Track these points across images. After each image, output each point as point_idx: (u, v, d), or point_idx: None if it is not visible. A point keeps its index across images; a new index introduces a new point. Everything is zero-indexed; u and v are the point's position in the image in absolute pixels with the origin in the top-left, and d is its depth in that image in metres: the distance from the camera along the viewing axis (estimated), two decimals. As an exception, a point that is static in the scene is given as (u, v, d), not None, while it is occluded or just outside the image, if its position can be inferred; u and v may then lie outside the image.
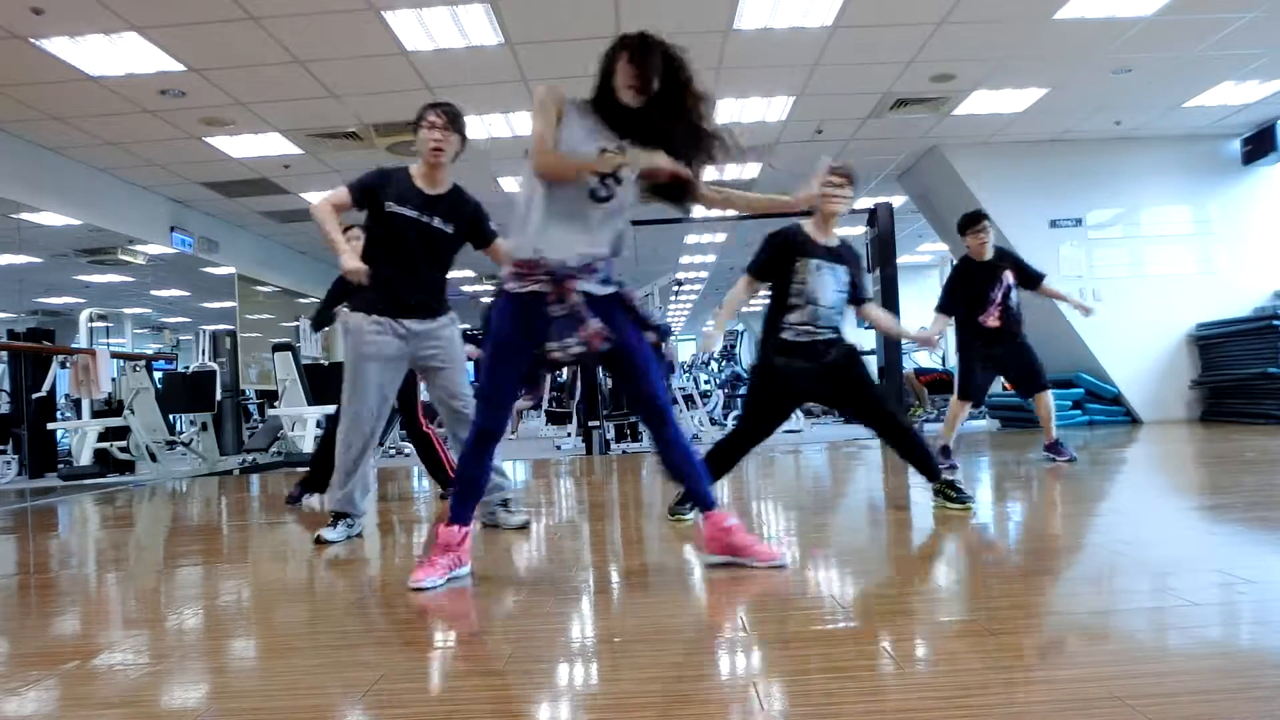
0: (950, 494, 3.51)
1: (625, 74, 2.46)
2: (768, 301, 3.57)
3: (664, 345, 2.66)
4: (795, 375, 3.48)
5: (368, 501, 3.59)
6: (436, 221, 3.34)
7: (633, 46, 2.47)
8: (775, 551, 2.62)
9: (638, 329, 2.60)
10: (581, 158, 2.43)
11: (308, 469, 4.77)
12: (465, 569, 2.63)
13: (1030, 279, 5.25)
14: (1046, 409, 5.27)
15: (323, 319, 4.99)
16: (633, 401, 2.64)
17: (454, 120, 3.34)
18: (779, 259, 3.50)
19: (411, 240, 3.31)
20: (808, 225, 3.55)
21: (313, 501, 4.55)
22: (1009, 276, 5.12)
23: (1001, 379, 6.94)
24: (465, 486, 2.62)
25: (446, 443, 3.87)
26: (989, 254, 5.17)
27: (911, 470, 4.90)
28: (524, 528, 3.56)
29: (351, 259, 3.16)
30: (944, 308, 5.24)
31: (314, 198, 10.75)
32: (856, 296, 3.61)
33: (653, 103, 2.49)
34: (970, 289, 5.14)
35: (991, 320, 5.10)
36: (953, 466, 5.18)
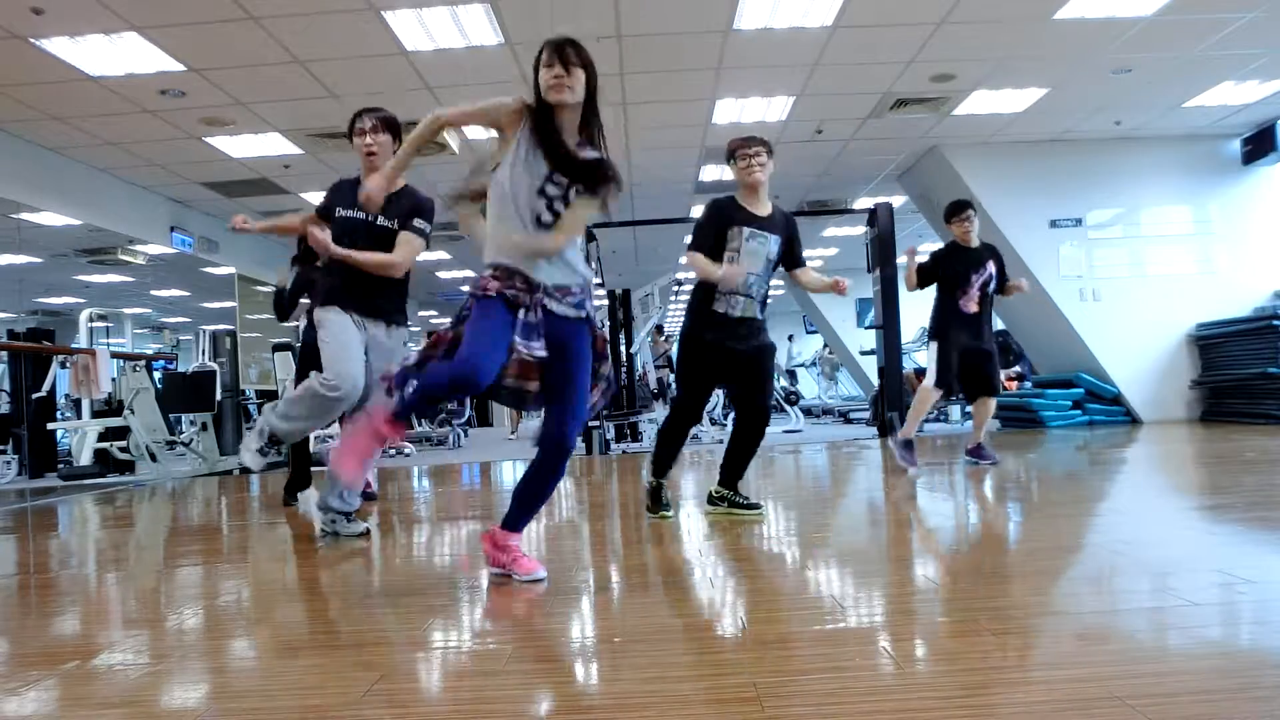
0: (738, 500, 3.63)
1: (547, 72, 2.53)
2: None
3: (606, 386, 2.60)
4: (722, 353, 3.50)
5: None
6: (380, 220, 3.40)
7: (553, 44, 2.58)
8: (534, 565, 2.56)
9: (588, 364, 2.51)
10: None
11: (289, 470, 4.77)
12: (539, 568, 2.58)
13: (1003, 280, 5.31)
14: (986, 414, 5.34)
15: (286, 307, 5.09)
16: (545, 422, 2.51)
17: (384, 123, 3.51)
18: (713, 229, 3.51)
19: (360, 241, 3.36)
20: (738, 195, 3.58)
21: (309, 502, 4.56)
22: (992, 267, 5.19)
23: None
24: (431, 394, 2.38)
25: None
26: (975, 241, 5.24)
27: (912, 469, 4.89)
28: (364, 535, 3.49)
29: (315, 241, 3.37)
30: (921, 277, 5.26)
31: (315, 198, 10.75)
32: (793, 262, 3.63)
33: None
34: (954, 269, 5.18)
35: (971, 305, 5.13)
36: (994, 462, 5.27)
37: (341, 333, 3.33)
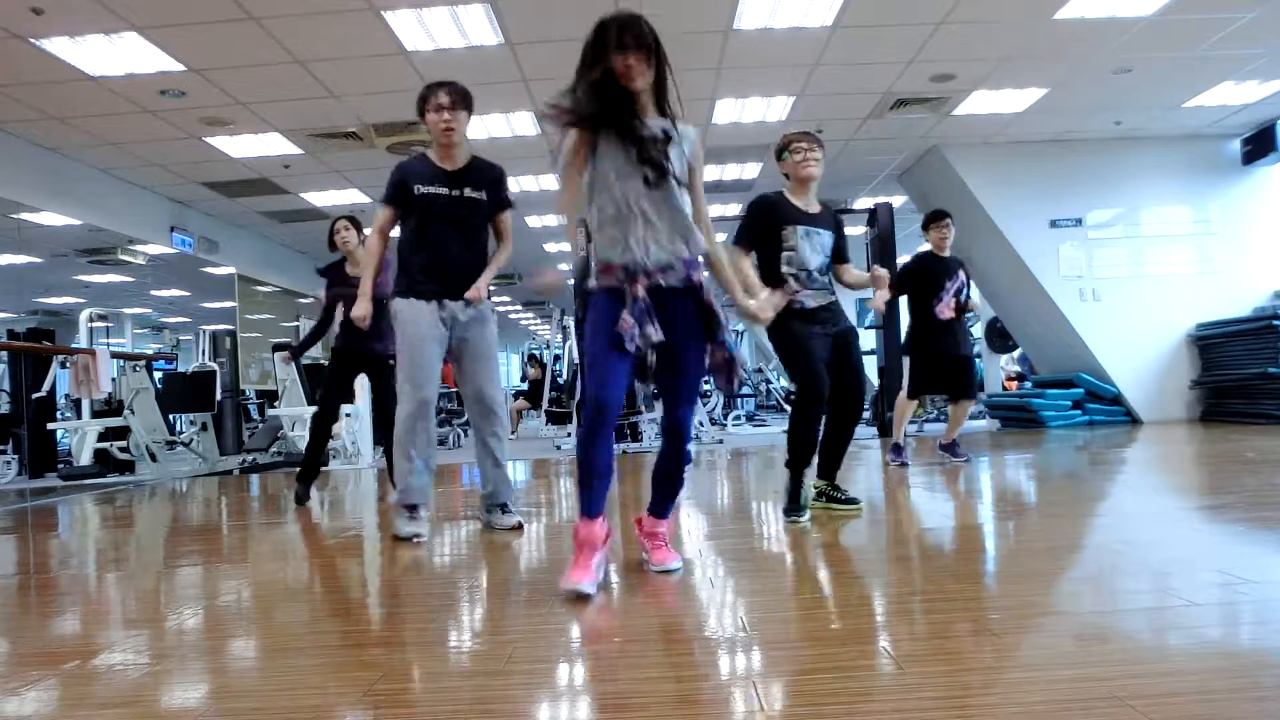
0: (837, 495, 3.60)
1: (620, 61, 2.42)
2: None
3: (730, 359, 2.53)
4: (813, 336, 3.46)
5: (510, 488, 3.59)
6: (467, 191, 3.37)
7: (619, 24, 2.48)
8: (672, 557, 2.63)
9: (700, 341, 2.50)
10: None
11: (300, 467, 4.77)
12: (601, 566, 2.52)
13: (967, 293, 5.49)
14: (961, 416, 5.51)
15: (303, 349, 5.13)
16: (663, 408, 2.59)
17: (462, 98, 3.36)
18: (765, 227, 3.49)
19: (444, 217, 3.34)
20: (786, 192, 3.56)
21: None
22: (963, 275, 5.38)
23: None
24: (584, 473, 2.44)
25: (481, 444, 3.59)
26: (948, 250, 5.42)
27: (912, 469, 4.90)
28: (518, 528, 3.52)
29: (363, 305, 3.41)
30: (902, 292, 5.51)
31: (315, 198, 10.73)
32: (839, 258, 3.62)
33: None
34: (927, 279, 5.34)
35: (947, 311, 5.28)
36: (966, 459, 5.41)
37: (414, 339, 3.31)
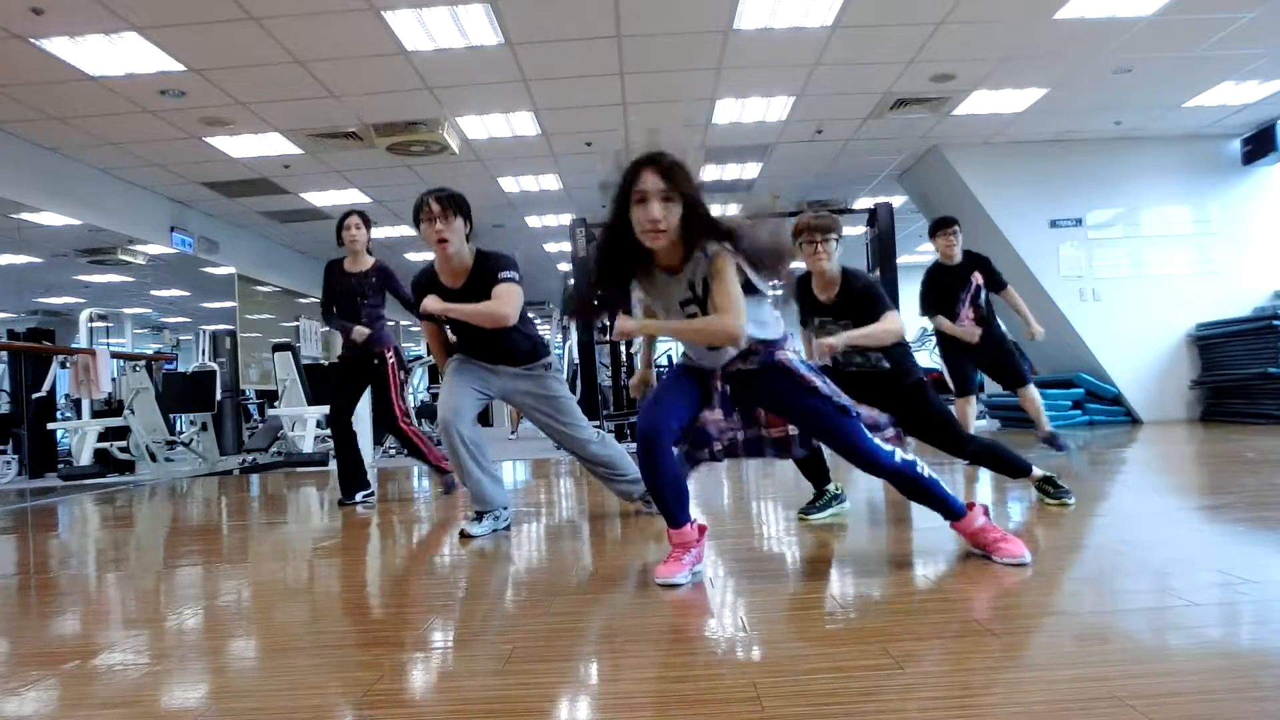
0: (1048, 490, 3.54)
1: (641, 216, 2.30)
2: None
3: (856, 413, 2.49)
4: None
5: (504, 492, 3.59)
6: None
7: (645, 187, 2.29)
8: (1021, 549, 2.48)
9: (796, 393, 2.48)
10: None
11: (339, 475, 4.83)
12: (701, 565, 2.58)
13: (996, 284, 5.39)
14: (1032, 404, 5.38)
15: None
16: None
17: (453, 204, 3.29)
18: (802, 310, 3.50)
19: (456, 328, 3.46)
20: (811, 278, 3.45)
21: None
22: (977, 278, 5.28)
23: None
24: (656, 495, 2.51)
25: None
26: (957, 257, 5.31)
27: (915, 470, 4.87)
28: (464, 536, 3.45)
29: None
30: (926, 312, 5.38)
31: (315, 198, 10.73)
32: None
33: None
34: (940, 292, 5.28)
35: (965, 322, 5.24)
36: (1064, 448, 5.42)
37: (452, 375, 3.47)
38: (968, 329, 5.19)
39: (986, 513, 2.57)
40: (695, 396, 2.54)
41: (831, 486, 3.53)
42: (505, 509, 3.57)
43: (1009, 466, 3.47)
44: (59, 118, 7.03)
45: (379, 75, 6.50)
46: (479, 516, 3.48)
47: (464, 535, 3.41)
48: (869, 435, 2.47)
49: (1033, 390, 5.38)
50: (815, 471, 3.54)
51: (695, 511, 2.66)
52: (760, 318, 2.47)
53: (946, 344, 5.38)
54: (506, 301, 3.31)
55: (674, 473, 2.48)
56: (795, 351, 2.55)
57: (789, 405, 2.52)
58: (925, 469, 2.51)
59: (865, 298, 3.35)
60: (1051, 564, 2.60)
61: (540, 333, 3.70)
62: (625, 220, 2.32)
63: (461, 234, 3.31)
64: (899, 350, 3.43)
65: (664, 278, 2.43)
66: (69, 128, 7.26)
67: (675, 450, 2.50)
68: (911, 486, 2.52)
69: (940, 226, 5.35)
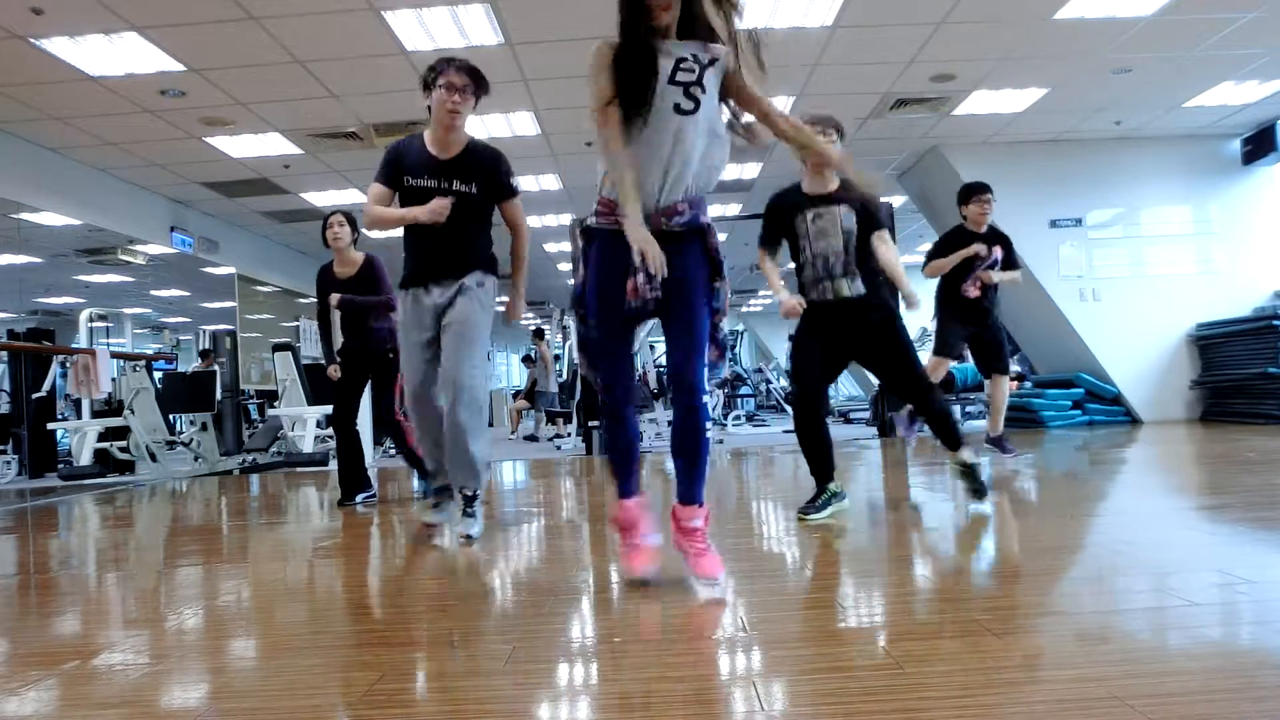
0: (971, 480, 3.48)
1: None
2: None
3: (721, 342, 2.44)
4: (818, 339, 3.43)
5: (475, 477, 3.32)
6: (456, 184, 3.21)
7: None
8: (716, 569, 2.31)
9: (705, 288, 2.37)
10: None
11: (340, 476, 4.81)
12: (658, 536, 2.46)
13: (1013, 263, 5.34)
14: (1000, 397, 5.30)
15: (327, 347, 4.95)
16: (668, 363, 2.41)
17: (477, 82, 3.16)
18: (777, 223, 3.47)
19: (434, 228, 3.19)
20: (803, 180, 3.46)
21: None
22: (998, 252, 5.22)
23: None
24: (618, 458, 2.44)
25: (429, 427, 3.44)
26: (985, 227, 5.25)
27: (912, 469, 4.89)
28: (466, 540, 3.35)
29: (427, 212, 3.16)
30: (931, 256, 5.29)
31: (315, 198, 10.72)
32: (870, 227, 3.41)
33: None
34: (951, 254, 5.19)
35: (972, 290, 5.17)
36: (1014, 455, 5.31)
37: (403, 336, 3.32)
38: (974, 247, 5.11)
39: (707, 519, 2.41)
40: (618, 280, 2.30)
41: (833, 485, 3.51)
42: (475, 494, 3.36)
43: (950, 435, 3.50)
44: (59, 118, 7.02)
45: (379, 75, 6.50)
46: (437, 502, 3.41)
47: (428, 525, 3.38)
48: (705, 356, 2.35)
49: (1005, 385, 5.32)
50: (821, 466, 3.50)
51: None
52: (723, 157, 2.43)
53: (945, 305, 5.29)
54: (524, 224, 3.35)
55: (632, 438, 2.45)
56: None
57: (694, 286, 2.35)
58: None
59: (865, 198, 3.37)
60: (1051, 564, 2.61)
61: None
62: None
63: (469, 112, 3.18)
64: (877, 280, 3.44)
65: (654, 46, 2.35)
66: (69, 128, 7.26)
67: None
68: (695, 440, 2.32)
69: (977, 191, 5.23)
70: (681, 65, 2.34)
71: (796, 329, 3.55)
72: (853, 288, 3.39)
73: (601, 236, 2.36)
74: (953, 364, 5.62)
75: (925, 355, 5.88)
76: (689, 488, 2.36)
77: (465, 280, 3.26)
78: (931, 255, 5.32)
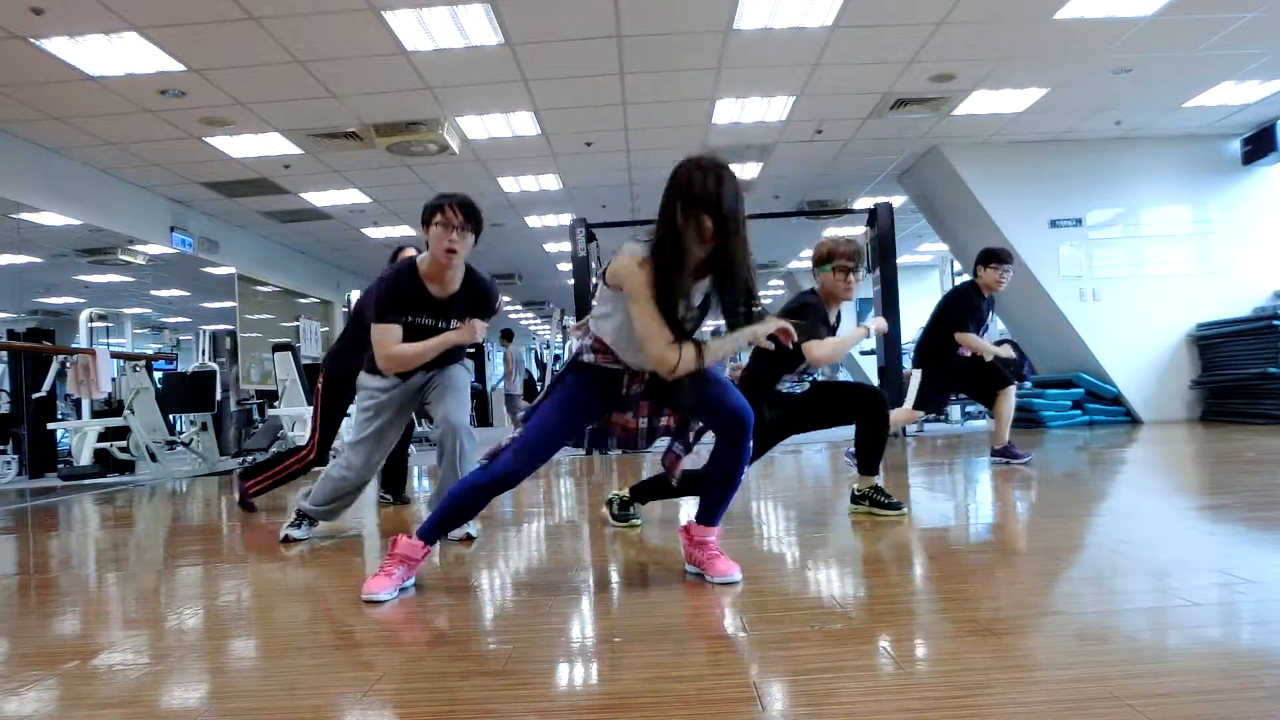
0: (880, 499, 3.54)
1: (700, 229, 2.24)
2: (762, 363, 3.47)
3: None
4: (777, 421, 3.54)
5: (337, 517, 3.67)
6: (453, 324, 3.28)
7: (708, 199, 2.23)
8: (732, 568, 2.48)
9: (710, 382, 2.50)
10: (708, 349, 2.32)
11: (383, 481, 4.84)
12: (411, 581, 2.53)
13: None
14: (1008, 409, 5.30)
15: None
16: (712, 420, 2.53)
17: (474, 221, 3.14)
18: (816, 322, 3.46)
19: (421, 336, 3.24)
20: (821, 298, 3.52)
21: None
22: (994, 319, 5.40)
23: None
24: (456, 515, 2.54)
25: (444, 462, 3.47)
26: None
27: (912, 469, 4.90)
28: (467, 539, 3.42)
29: (461, 335, 3.27)
30: (962, 328, 5.18)
31: (315, 198, 10.70)
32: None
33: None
34: (970, 317, 5.18)
35: (968, 351, 5.22)
36: (1026, 460, 5.31)
37: (376, 418, 3.35)
38: (990, 346, 5.21)
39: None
40: (586, 416, 2.52)
41: (866, 487, 3.59)
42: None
43: (878, 458, 3.56)
44: (59, 118, 7.03)
45: (379, 75, 6.50)
46: (299, 523, 3.58)
47: (288, 540, 3.52)
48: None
49: (1012, 396, 5.31)
50: (868, 454, 3.57)
51: (694, 512, 2.65)
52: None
53: (934, 362, 5.29)
54: (484, 330, 3.38)
55: (479, 510, 2.57)
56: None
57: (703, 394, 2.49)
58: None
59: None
60: (1051, 564, 2.61)
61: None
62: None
63: (468, 251, 3.19)
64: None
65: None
66: (69, 128, 7.26)
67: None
68: (733, 473, 2.56)
69: (998, 259, 5.19)
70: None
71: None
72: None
73: (595, 374, 2.47)
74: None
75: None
76: (715, 513, 2.58)
77: (453, 366, 3.49)
78: (964, 314, 5.18)
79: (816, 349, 3.31)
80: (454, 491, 2.51)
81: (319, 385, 4.29)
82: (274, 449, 8.70)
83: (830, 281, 3.47)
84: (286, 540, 3.51)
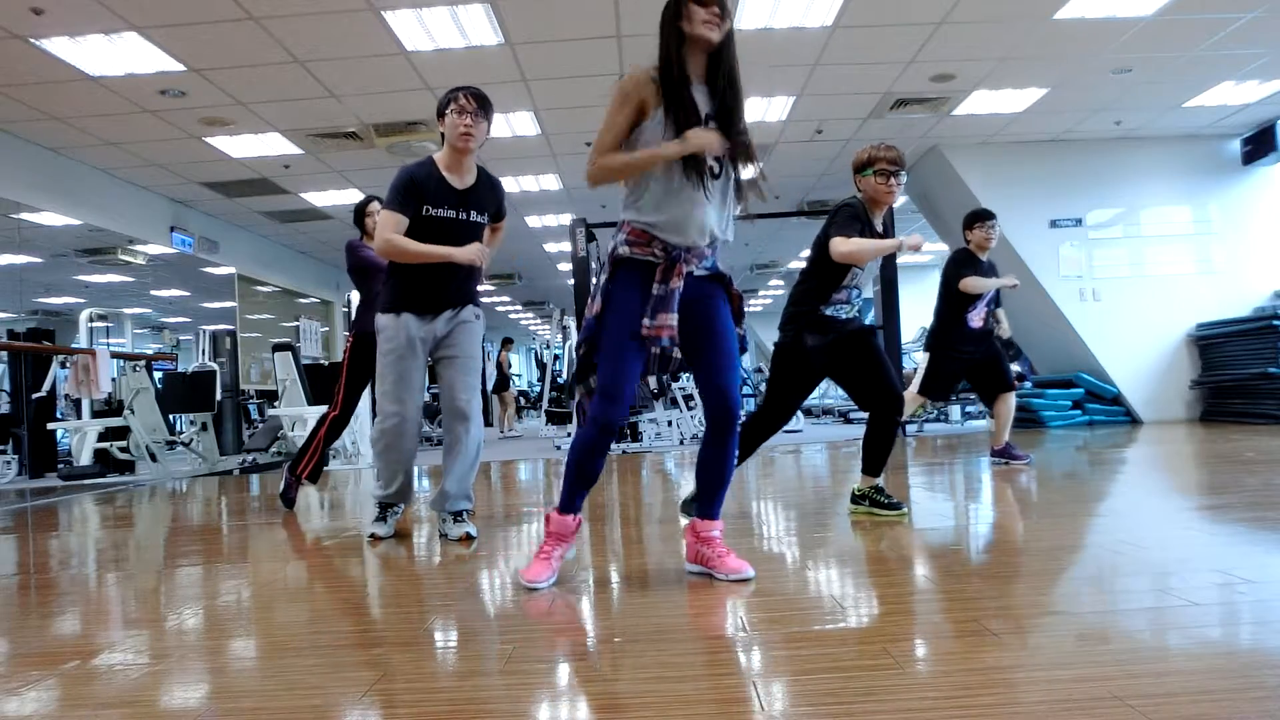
0: (880, 500, 3.54)
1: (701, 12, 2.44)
2: (806, 280, 3.48)
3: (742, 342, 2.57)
4: (818, 350, 3.43)
5: (471, 499, 3.54)
6: (472, 215, 3.33)
7: None
8: (742, 565, 2.51)
9: (728, 321, 2.51)
10: (648, 152, 2.34)
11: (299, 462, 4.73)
12: (572, 551, 2.65)
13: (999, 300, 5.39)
14: (1008, 412, 5.29)
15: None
16: (703, 389, 2.49)
17: (484, 106, 3.25)
18: (858, 226, 3.41)
19: (450, 238, 3.27)
20: (866, 203, 3.47)
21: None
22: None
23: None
24: (580, 477, 2.50)
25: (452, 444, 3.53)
26: (987, 255, 5.24)
27: (912, 469, 4.90)
28: (467, 539, 3.42)
29: (466, 256, 3.24)
30: (953, 280, 5.16)
31: (315, 198, 10.72)
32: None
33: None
34: (975, 274, 5.15)
35: (977, 320, 5.16)
36: (1027, 461, 5.30)
37: (396, 355, 3.31)
38: (1007, 280, 5.15)
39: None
40: (634, 316, 2.39)
41: (866, 487, 3.57)
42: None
43: (884, 459, 3.53)
44: (59, 118, 7.03)
45: (379, 75, 6.51)
46: (384, 515, 3.60)
47: (374, 538, 3.52)
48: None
49: (1012, 399, 5.31)
50: (874, 457, 3.54)
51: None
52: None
53: (946, 344, 5.22)
54: (488, 257, 3.38)
55: (602, 465, 2.52)
56: None
57: (721, 315, 2.49)
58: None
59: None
60: (1051, 564, 2.61)
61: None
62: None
63: (483, 137, 3.26)
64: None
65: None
66: (69, 128, 7.26)
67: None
68: (724, 459, 2.54)
69: (982, 218, 5.23)
70: (710, 119, 2.46)
71: (792, 346, 3.49)
72: (856, 311, 3.54)
73: (635, 268, 2.42)
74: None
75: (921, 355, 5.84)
76: (713, 506, 2.58)
77: (464, 313, 3.42)
78: (958, 275, 5.13)
79: (841, 244, 3.28)
80: (572, 458, 2.50)
81: (347, 346, 4.34)
82: (274, 449, 8.70)
83: (872, 186, 3.40)
84: (373, 538, 3.50)
